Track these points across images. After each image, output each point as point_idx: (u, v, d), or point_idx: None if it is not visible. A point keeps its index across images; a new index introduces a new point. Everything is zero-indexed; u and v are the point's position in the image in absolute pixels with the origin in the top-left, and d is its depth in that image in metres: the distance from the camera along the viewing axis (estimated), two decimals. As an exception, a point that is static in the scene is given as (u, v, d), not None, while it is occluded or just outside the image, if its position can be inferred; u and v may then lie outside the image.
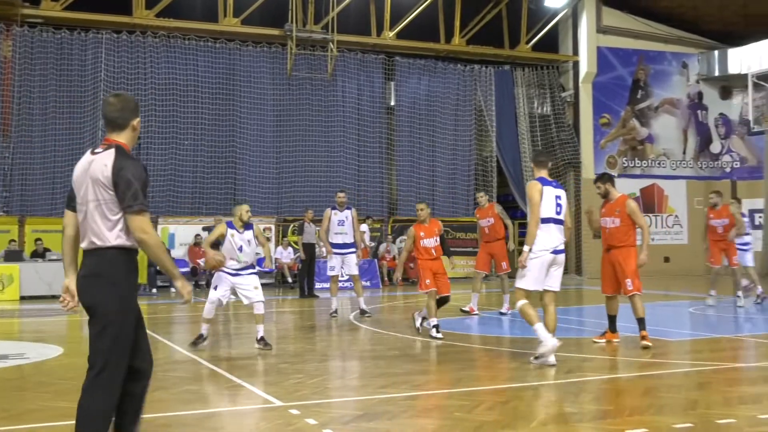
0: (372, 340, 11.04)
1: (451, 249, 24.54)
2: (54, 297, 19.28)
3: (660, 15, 27.76)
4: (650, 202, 27.91)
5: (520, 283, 8.25)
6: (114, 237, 4.25)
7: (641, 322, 9.57)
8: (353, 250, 13.74)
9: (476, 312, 13.63)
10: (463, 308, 13.67)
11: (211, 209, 22.26)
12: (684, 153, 28.71)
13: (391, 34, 25.29)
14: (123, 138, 4.44)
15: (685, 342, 10.41)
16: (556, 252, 8.18)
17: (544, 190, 8.17)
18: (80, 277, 4.35)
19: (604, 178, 10.06)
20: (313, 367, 8.36)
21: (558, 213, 8.21)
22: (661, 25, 28.06)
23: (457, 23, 25.96)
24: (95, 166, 4.29)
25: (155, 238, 4.30)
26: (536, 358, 8.22)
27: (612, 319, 9.97)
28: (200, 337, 9.79)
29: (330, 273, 13.81)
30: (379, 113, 25.56)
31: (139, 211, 4.20)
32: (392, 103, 26.02)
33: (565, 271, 27.23)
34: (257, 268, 10.13)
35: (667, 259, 27.35)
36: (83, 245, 4.37)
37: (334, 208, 13.76)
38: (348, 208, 13.84)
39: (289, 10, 23.59)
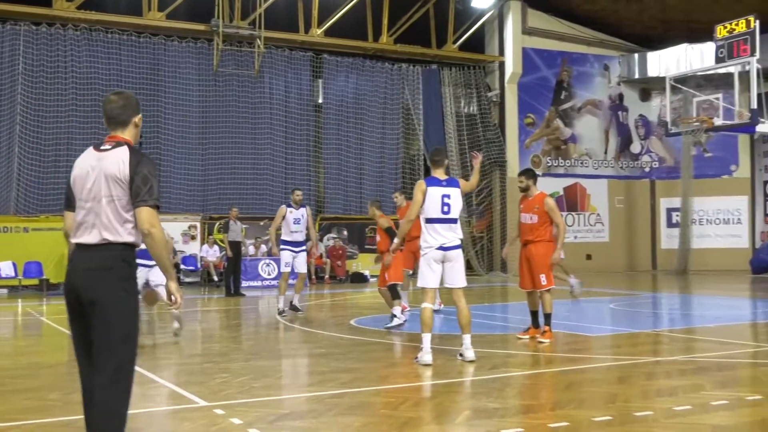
0: (298, 339, 11.00)
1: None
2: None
3: (583, 18, 28.38)
4: (573, 200, 28.53)
5: (419, 282, 8.36)
6: (126, 233, 4.22)
7: (548, 317, 9.85)
8: (304, 248, 13.75)
9: (408, 309, 13.73)
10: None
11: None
12: (605, 153, 29.42)
13: (319, 31, 25.21)
14: (127, 135, 4.42)
15: (605, 337, 10.67)
16: (444, 248, 8.19)
17: (429, 191, 8.20)
18: (83, 271, 4.21)
19: (528, 174, 10.25)
20: (238, 367, 8.27)
21: (445, 212, 8.22)
22: (584, 28, 28.70)
23: (385, 22, 26.03)
24: (108, 162, 4.25)
25: (162, 234, 4.27)
26: (461, 355, 8.32)
27: (534, 315, 10.16)
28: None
29: (284, 269, 13.63)
30: (306, 111, 25.46)
31: (152, 206, 4.21)
32: (320, 101, 25.95)
33: (491, 269, 27.48)
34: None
35: (589, 257, 28.01)
36: (86, 240, 4.25)
37: (289, 206, 13.60)
38: (303, 206, 13.75)
39: (216, 5, 23.28)
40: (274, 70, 24.91)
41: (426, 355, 8.08)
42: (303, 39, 25.16)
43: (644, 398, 6.46)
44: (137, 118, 4.47)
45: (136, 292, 4.32)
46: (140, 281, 9.88)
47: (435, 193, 8.21)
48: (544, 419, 5.71)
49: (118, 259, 4.22)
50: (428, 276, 8.24)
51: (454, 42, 27.41)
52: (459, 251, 8.34)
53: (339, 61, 25.93)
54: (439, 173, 8.43)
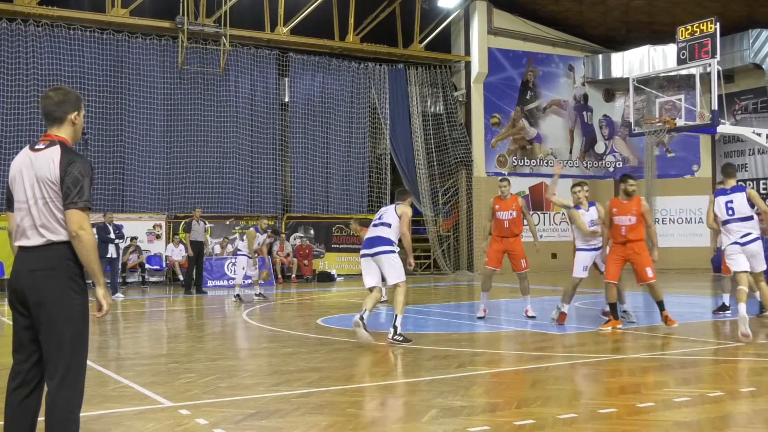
0: (265, 338, 10.95)
1: (344, 246, 24.83)
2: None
3: (548, 19, 28.59)
4: (539, 200, 28.72)
5: (737, 267, 9.91)
6: (67, 232, 4.12)
7: (660, 305, 10.82)
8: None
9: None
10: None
11: (98, 205, 21.52)
12: (570, 153, 29.68)
13: (285, 29, 25.10)
14: (63, 133, 4.32)
15: (570, 335, 10.75)
16: (740, 244, 9.97)
17: (716, 200, 10.30)
18: (28, 272, 4.12)
19: (636, 178, 11.50)
20: (204, 366, 8.22)
21: (731, 214, 10.07)
22: (549, 29, 28.91)
23: (352, 21, 26.01)
24: (40, 163, 4.17)
25: (91, 236, 4.15)
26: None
27: (613, 307, 11.02)
28: None
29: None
30: (272, 110, 25.33)
31: (82, 208, 4.11)
32: (286, 100, 25.84)
33: (457, 268, 27.56)
34: None
35: (554, 255, 28.21)
36: (28, 243, 4.17)
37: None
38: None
39: (181, 2, 23.08)
40: (239, 68, 24.76)
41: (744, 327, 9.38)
42: (269, 37, 25.05)
43: (608, 395, 6.53)
44: (73, 115, 4.35)
45: (84, 291, 4.22)
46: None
47: (719, 201, 10.26)
48: (509, 417, 5.74)
49: (63, 259, 4.14)
50: (738, 260, 9.92)
51: (421, 41, 27.47)
52: (758, 243, 10.10)
53: (305, 60, 25.84)
54: (729, 183, 10.29)
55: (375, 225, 10.21)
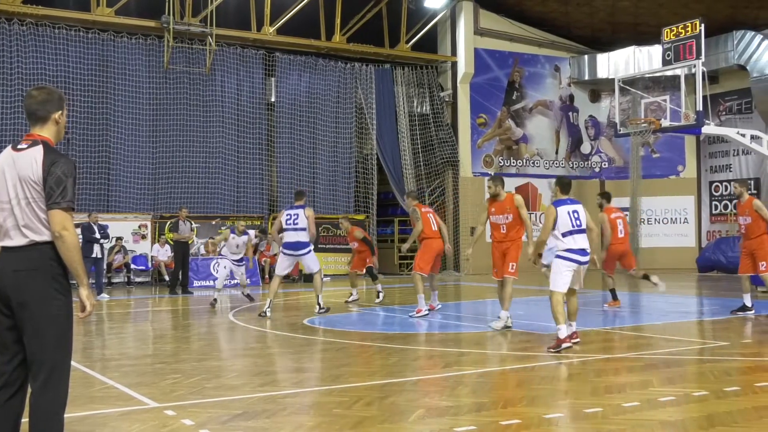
0: (251, 339, 10.93)
1: (331, 246, 24.81)
2: None
3: (534, 19, 28.66)
4: (524, 200, 28.71)
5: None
6: (50, 233, 4.11)
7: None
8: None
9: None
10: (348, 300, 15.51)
11: (83, 205, 21.39)
12: (556, 153, 29.75)
13: (272, 29, 25.05)
14: (46, 132, 4.30)
15: (555, 335, 10.77)
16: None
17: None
18: (11, 272, 4.10)
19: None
20: (190, 367, 8.19)
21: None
22: (535, 30, 28.97)
23: (338, 21, 25.98)
24: (23, 163, 4.15)
25: (74, 237, 4.13)
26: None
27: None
28: None
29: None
30: (259, 109, 25.26)
31: (65, 208, 4.09)
32: (272, 100, 25.77)
33: (444, 268, 27.83)
34: None
35: (539, 255, 28.29)
36: (11, 243, 4.15)
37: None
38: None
39: (166, 1, 22.97)
40: (225, 68, 24.68)
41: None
42: (255, 37, 24.98)
43: (594, 395, 6.55)
44: (57, 114, 4.33)
45: (68, 291, 4.21)
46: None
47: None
48: (496, 417, 5.76)
49: (47, 259, 4.12)
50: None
51: (407, 42, 27.47)
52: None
53: (291, 60, 25.79)
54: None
55: (294, 229, 12.70)
